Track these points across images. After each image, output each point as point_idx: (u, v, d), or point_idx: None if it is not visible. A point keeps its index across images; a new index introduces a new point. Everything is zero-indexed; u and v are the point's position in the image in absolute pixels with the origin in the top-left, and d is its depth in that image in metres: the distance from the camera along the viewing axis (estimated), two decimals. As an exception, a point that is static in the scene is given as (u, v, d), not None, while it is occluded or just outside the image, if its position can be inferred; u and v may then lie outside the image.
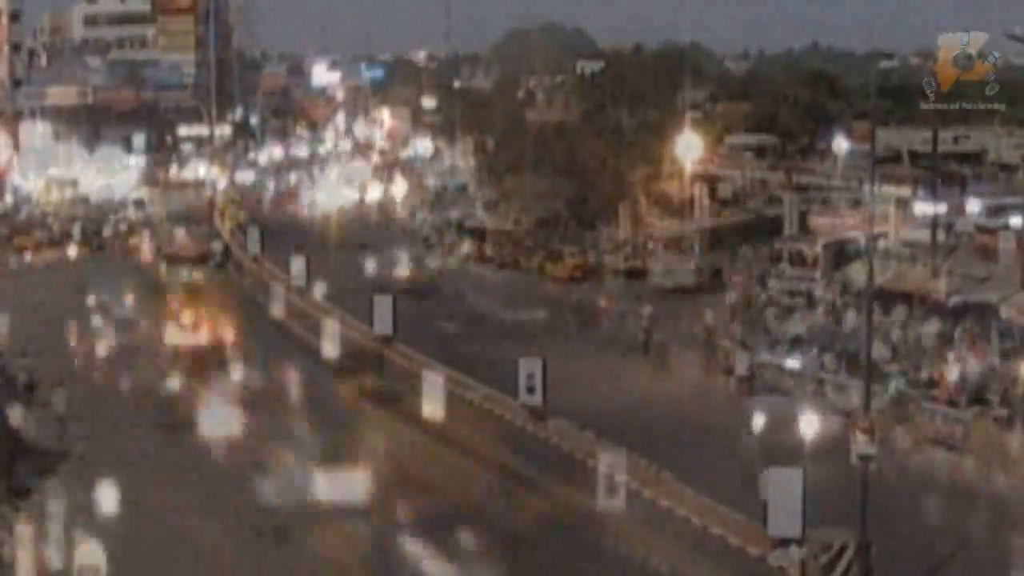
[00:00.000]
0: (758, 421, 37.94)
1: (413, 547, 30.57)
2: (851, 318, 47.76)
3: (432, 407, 38.72)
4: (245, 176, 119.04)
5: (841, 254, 59.02)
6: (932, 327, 45.46)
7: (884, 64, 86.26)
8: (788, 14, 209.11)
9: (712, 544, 28.78)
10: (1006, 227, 52.50)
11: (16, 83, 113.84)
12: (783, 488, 27.71)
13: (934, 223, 52.95)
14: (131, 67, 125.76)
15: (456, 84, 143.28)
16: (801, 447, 32.22)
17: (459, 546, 30.23)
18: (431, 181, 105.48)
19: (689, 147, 60.66)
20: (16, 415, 38.33)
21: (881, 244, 56.32)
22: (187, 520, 31.81)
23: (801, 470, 28.26)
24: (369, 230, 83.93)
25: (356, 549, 30.35)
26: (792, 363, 39.77)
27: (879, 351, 42.36)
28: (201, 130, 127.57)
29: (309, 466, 36.08)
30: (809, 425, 32.51)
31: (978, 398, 39.73)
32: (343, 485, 34.34)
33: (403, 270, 65.17)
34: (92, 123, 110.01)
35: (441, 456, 36.65)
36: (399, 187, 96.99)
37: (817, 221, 61.16)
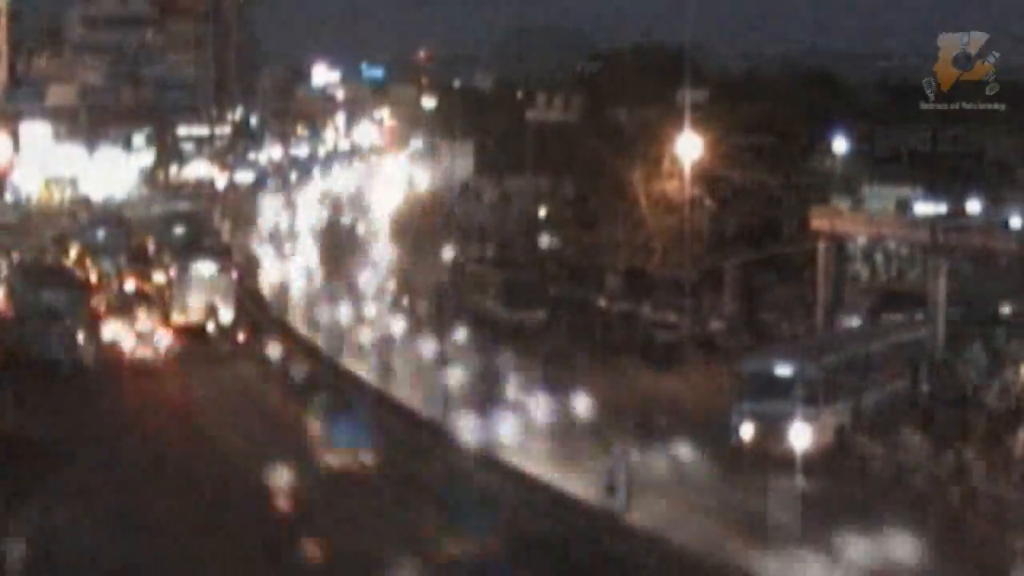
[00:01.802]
0: None
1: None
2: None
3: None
4: (245, 176, 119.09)
5: (841, 254, 59.03)
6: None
7: (884, 64, 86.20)
8: (787, 14, 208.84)
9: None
10: (1006, 226, 52.56)
11: (16, 83, 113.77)
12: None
13: (934, 223, 52.98)
14: (131, 67, 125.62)
15: (456, 84, 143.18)
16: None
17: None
18: (430, 181, 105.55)
19: (688, 147, 60.53)
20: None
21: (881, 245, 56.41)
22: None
23: None
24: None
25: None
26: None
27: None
28: (201, 130, 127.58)
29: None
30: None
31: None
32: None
33: None
34: (92, 123, 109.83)
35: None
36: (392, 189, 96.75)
37: (817, 222, 60.99)
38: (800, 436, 33.52)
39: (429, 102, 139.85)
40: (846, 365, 40.47)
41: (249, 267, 71.86)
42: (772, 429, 36.53)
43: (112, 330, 53.64)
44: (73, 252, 73.03)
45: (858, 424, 39.17)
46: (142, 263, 70.69)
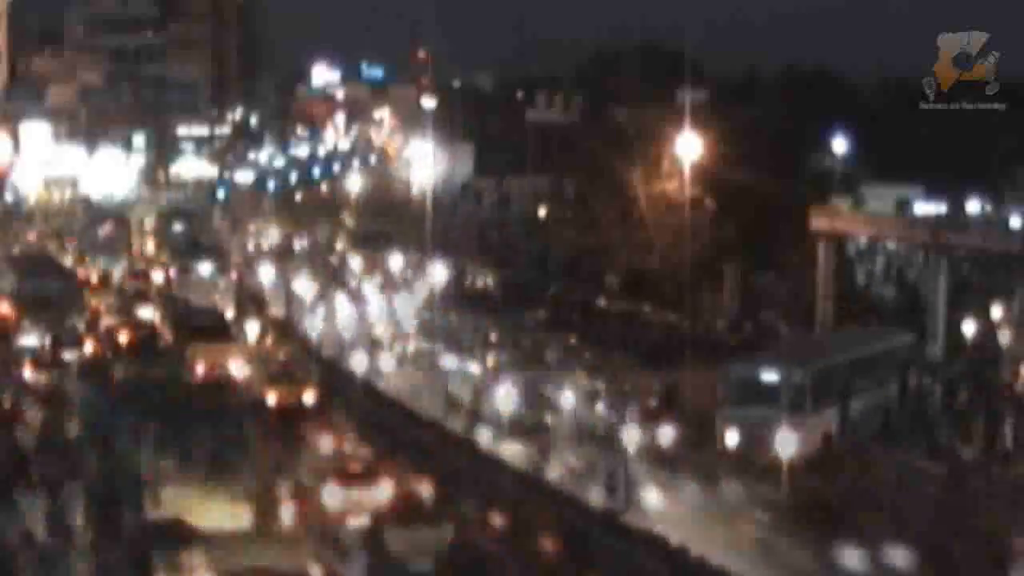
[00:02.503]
0: None
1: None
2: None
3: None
4: (245, 176, 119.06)
5: (841, 255, 59.01)
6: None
7: (884, 64, 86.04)
8: (787, 15, 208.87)
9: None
10: (1006, 226, 52.57)
11: (16, 83, 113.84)
12: None
13: (934, 223, 52.99)
14: (131, 67, 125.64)
15: (456, 84, 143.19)
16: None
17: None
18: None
19: (688, 147, 60.54)
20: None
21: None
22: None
23: None
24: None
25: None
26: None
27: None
28: (201, 130, 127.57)
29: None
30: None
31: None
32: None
33: None
34: (92, 123, 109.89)
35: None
36: None
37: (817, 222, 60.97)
38: (786, 443, 32.97)
39: (429, 102, 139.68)
40: (833, 370, 39.55)
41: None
42: (757, 435, 35.73)
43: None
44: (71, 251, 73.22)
45: (845, 430, 38.45)
46: (142, 262, 70.88)
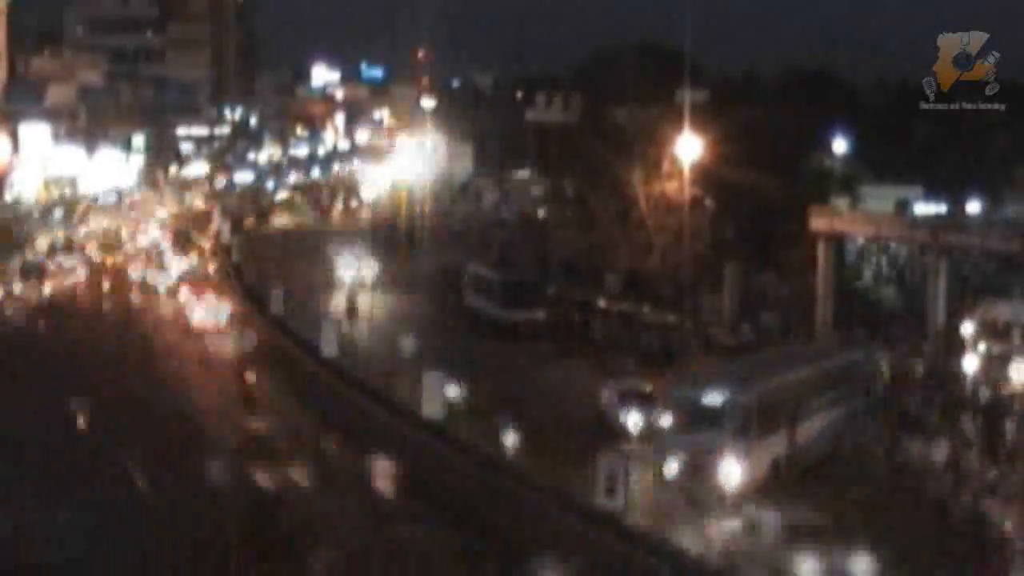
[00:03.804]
0: None
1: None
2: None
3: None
4: (244, 176, 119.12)
5: (841, 255, 58.97)
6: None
7: (884, 64, 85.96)
8: (787, 15, 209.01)
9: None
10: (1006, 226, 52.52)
11: (15, 83, 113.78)
12: None
13: (934, 223, 52.96)
14: (131, 67, 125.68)
15: (456, 84, 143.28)
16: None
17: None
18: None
19: (688, 148, 60.53)
20: None
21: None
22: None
23: None
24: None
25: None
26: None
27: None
28: (201, 130, 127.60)
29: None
30: None
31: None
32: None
33: None
34: (92, 123, 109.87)
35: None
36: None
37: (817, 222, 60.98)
38: (731, 470, 31.70)
39: (429, 102, 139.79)
40: (784, 391, 36.56)
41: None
42: (700, 462, 33.42)
43: None
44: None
45: (794, 456, 35.81)
46: None
